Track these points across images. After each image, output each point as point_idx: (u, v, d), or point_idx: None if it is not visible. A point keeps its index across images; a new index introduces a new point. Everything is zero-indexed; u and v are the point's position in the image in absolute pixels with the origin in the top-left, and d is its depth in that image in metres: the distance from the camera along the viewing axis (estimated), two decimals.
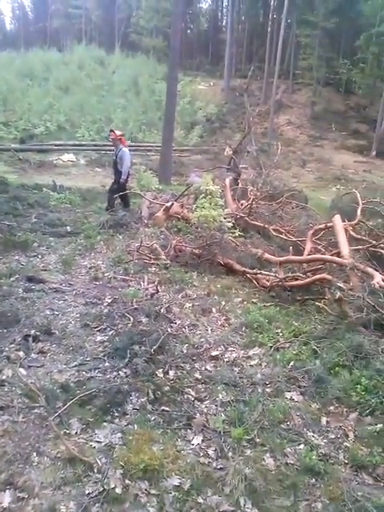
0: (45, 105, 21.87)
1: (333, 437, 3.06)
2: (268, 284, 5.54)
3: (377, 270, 5.04)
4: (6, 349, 3.69)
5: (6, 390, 3.18)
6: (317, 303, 4.99)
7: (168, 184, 13.20)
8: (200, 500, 2.43)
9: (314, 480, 2.65)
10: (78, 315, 4.46)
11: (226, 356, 3.95)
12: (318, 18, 27.23)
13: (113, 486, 2.44)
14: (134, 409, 3.14)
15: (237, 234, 6.91)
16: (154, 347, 3.74)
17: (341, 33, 30.04)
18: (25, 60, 27.62)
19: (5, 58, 28.03)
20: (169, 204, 7.67)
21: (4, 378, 3.30)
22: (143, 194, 9.09)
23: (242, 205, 8.49)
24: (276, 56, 26.08)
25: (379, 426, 3.12)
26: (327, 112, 28.67)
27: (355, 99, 30.42)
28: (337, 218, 6.02)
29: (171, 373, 3.58)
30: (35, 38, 39.78)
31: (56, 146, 18.39)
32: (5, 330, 3.95)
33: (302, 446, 2.90)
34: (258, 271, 5.77)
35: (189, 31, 40.73)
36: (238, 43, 35.74)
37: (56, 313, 4.48)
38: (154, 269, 5.91)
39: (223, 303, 5.06)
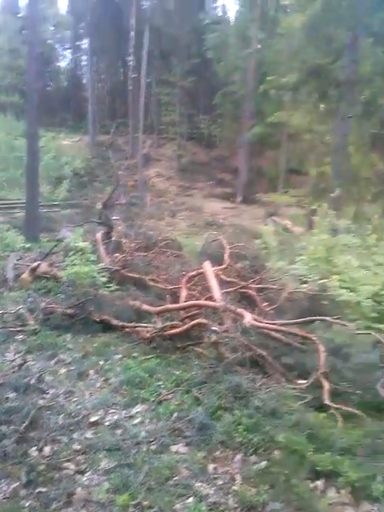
0: None
1: (221, 483, 3.14)
2: (148, 336, 5.60)
3: (247, 310, 5.48)
4: None
5: None
6: (196, 349, 5.19)
7: (37, 241, 12.75)
8: None
9: None
10: None
11: (107, 419, 3.83)
12: (175, 78, 30.04)
13: None
14: (4, 498, 2.85)
15: (113, 288, 6.92)
16: (25, 424, 3.48)
17: (199, 91, 33.48)
18: None
19: None
20: (35, 264, 7.40)
21: None
22: (7, 254, 8.63)
23: (116, 258, 8.58)
24: (139, 113, 27.78)
25: (263, 463, 3.30)
26: (193, 164, 31.10)
27: (217, 151, 33.63)
28: (206, 264, 6.46)
29: (47, 449, 3.35)
30: None
31: None
32: None
33: (191, 499, 2.92)
34: (136, 324, 5.82)
35: (48, 88, 41.22)
36: (100, 100, 37.29)
37: None
38: (21, 336, 5.55)
39: (101, 363, 4.94)
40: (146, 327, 5.73)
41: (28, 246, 11.23)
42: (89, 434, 3.60)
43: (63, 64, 45.01)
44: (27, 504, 2.81)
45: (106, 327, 6.07)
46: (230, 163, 31.33)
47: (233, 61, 27.54)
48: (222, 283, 6.53)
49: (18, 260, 8.30)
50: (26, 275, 7.25)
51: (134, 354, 5.23)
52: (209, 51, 29.32)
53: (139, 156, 27.34)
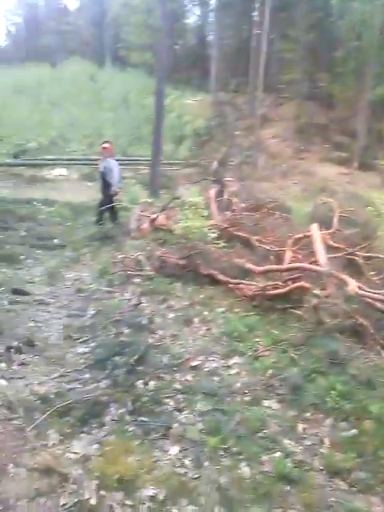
0: (36, 120, 21.85)
1: (308, 443, 3.04)
2: (250, 293, 5.53)
3: (352, 277, 5.06)
4: None
5: None
6: (296, 311, 4.99)
7: (157, 197, 13.20)
8: (174, 510, 2.40)
9: (288, 487, 2.62)
10: (61, 327, 4.42)
11: (206, 366, 3.92)
12: (298, 33, 27.47)
13: (87, 496, 2.39)
14: (112, 420, 3.10)
15: (221, 245, 6.91)
16: (135, 358, 3.72)
17: (321, 47, 30.30)
18: (17, 76, 27.58)
19: None
20: (154, 216, 7.68)
21: None
22: (132, 206, 9.09)
23: (226, 216, 8.50)
24: (259, 71, 26.35)
25: (353, 431, 3.12)
26: (310, 125, 28.89)
27: (337, 112, 30.74)
28: (314, 227, 6.06)
29: (151, 383, 3.55)
30: (28, 55, 39.76)
31: (48, 160, 18.32)
32: None
33: (278, 454, 2.88)
34: (240, 281, 5.77)
35: (177, 46, 40.68)
36: (225, 58, 35.99)
37: (39, 325, 4.45)
38: (138, 280, 5.88)
39: (205, 313, 5.03)
40: (250, 285, 5.65)
41: (150, 200, 11.66)
42: (189, 377, 3.71)
43: (191, 20, 43.49)
44: (130, 429, 3.01)
45: (213, 281, 6.12)
46: (349, 125, 28.48)
47: (358, 14, 24.10)
48: (329, 248, 6.10)
49: (141, 212, 8.68)
50: (145, 226, 7.59)
51: (236, 309, 5.22)
52: (333, 3, 25.85)
53: (256, 116, 26.26)
